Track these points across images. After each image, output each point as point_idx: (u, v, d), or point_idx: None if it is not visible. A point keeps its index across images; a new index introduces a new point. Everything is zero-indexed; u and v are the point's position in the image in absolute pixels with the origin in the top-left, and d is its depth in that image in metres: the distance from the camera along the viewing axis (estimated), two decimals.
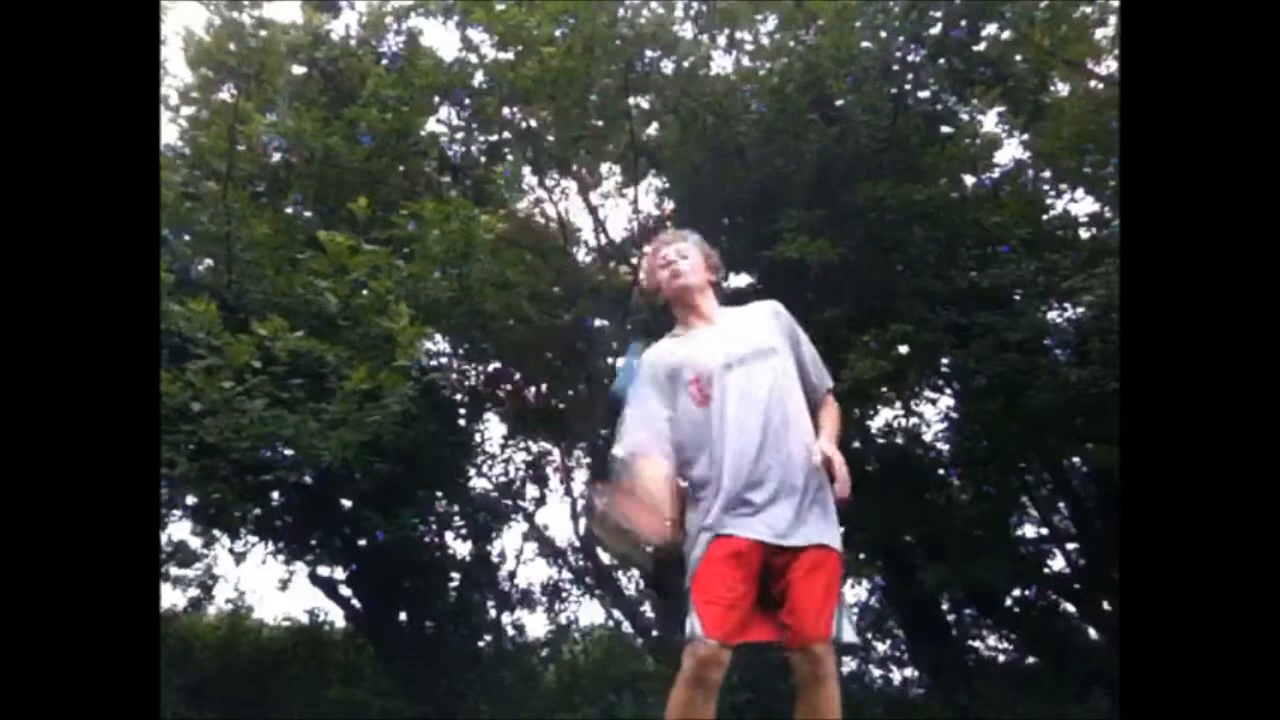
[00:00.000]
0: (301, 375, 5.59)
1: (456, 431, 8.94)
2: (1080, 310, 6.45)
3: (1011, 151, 8.09)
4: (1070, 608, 8.82)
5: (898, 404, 8.65)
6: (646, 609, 10.08)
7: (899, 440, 8.78)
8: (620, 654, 9.23)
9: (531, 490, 10.21)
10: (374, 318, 5.69)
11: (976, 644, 9.05)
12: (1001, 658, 8.99)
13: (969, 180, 7.67)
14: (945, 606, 8.68)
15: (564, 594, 10.28)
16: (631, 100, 7.47)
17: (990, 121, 7.87)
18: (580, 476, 10.38)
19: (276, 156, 7.68)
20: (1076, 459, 8.19)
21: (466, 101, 8.16)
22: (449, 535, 9.57)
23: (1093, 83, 7.23)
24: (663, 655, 7.76)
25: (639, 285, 2.88)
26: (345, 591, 9.32)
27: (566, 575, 10.37)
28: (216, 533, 9.40)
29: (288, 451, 6.07)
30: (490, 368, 9.66)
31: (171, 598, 10.06)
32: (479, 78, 7.85)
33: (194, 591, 10.34)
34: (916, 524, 7.68)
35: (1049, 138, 7.10)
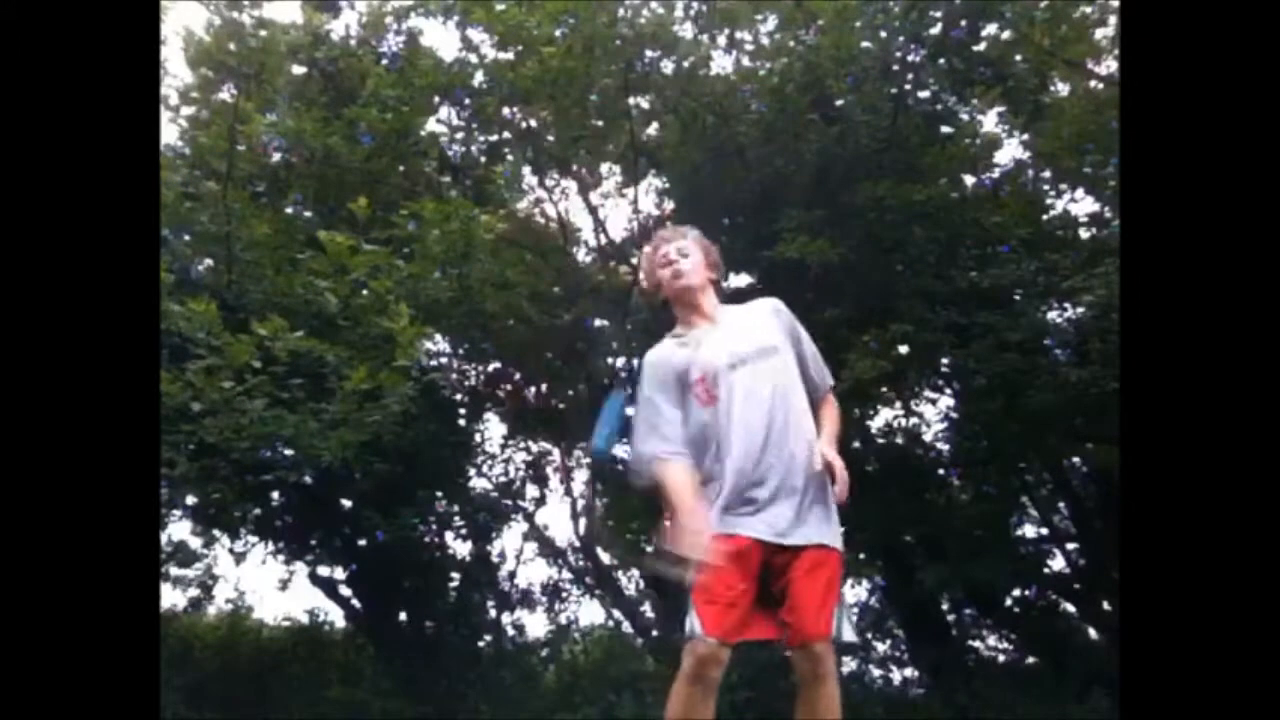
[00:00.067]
0: (301, 375, 5.59)
1: (456, 431, 8.95)
2: (1080, 310, 6.45)
3: (1011, 151, 8.10)
4: (1070, 608, 8.82)
5: (898, 404, 8.65)
6: (646, 609, 10.09)
7: (899, 440, 8.78)
8: (620, 654, 9.24)
9: (531, 490, 10.22)
10: (374, 318, 5.69)
11: (976, 644, 9.05)
12: (1001, 658, 8.99)
13: (969, 180, 7.67)
14: (945, 606, 8.68)
15: (564, 594, 10.28)
16: (631, 100, 7.47)
17: (990, 121, 7.88)
18: (580, 476, 10.40)
19: (276, 156, 7.68)
20: (1076, 459, 8.19)
21: (466, 101, 8.16)
22: (449, 535, 9.59)
23: (1093, 83, 7.23)
24: (663, 655, 7.76)
25: (639, 284, 2.85)
26: (345, 591, 9.33)
27: (566, 575, 10.38)
28: (216, 533, 9.41)
29: (288, 451, 6.07)
30: (490, 368, 9.66)
31: (171, 598, 10.08)
32: (479, 78, 7.85)
33: (194, 591, 10.36)
34: (916, 524, 7.68)
35: (1049, 138, 7.10)
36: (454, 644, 9.19)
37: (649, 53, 7.42)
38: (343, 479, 7.23)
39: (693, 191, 7.48)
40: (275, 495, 7.77)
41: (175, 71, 8.31)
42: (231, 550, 9.51)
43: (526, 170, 8.67)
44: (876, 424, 8.76)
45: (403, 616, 9.24)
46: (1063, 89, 7.61)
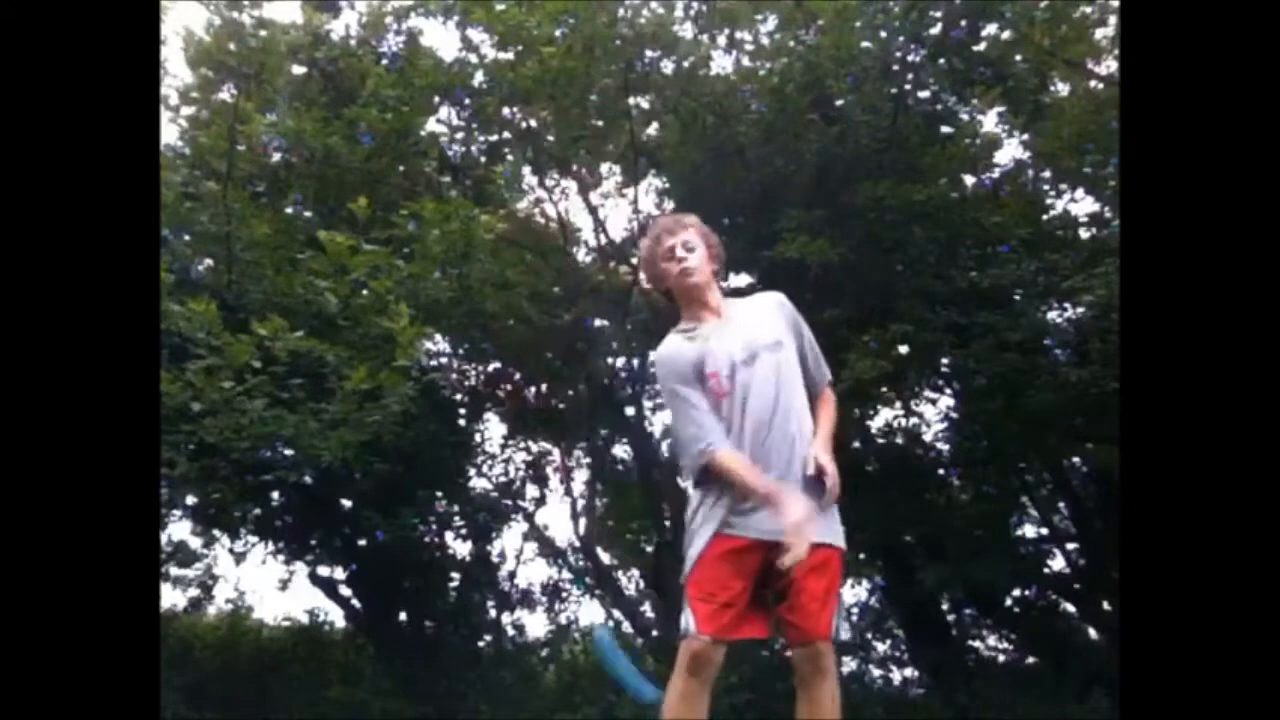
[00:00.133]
0: (301, 375, 5.59)
1: (456, 431, 8.95)
2: (1080, 310, 6.45)
3: (1011, 151, 8.10)
4: (1070, 608, 8.82)
5: (898, 404, 8.65)
6: (646, 609, 10.10)
7: (899, 440, 8.78)
8: None
9: (531, 490, 10.23)
10: (374, 318, 5.69)
11: (976, 644, 9.05)
12: (1001, 658, 8.99)
13: (969, 180, 7.67)
14: (945, 606, 8.68)
15: (564, 594, 10.28)
16: (631, 100, 7.47)
17: (990, 121, 7.88)
18: (580, 476, 10.40)
19: (276, 156, 7.68)
20: (1076, 459, 8.19)
21: (466, 101, 8.16)
22: (449, 535, 9.58)
23: (1093, 83, 7.23)
24: (663, 655, 7.75)
25: (639, 278, 2.82)
26: (345, 591, 9.32)
27: (566, 575, 10.38)
28: (216, 533, 9.41)
29: (288, 451, 6.07)
30: (490, 368, 9.66)
31: (171, 598, 10.08)
32: (479, 78, 7.85)
33: (194, 591, 10.36)
34: (916, 524, 7.67)
35: (1049, 138, 7.10)
36: (454, 644, 9.19)
37: (649, 53, 7.42)
38: (343, 479, 7.23)
39: (693, 191, 7.48)
40: (275, 495, 7.76)
41: (175, 71, 8.33)
42: (231, 550, 9.52)
43: (526, 170, 8.68)
44: (876, 424, 8.76)
45: (403, 616, 9.24)
46: (1063, 89, 7.61)
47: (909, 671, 8.95)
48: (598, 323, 8.70)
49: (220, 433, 5.37)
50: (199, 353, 5.21)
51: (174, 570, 9.96)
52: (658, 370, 2.60)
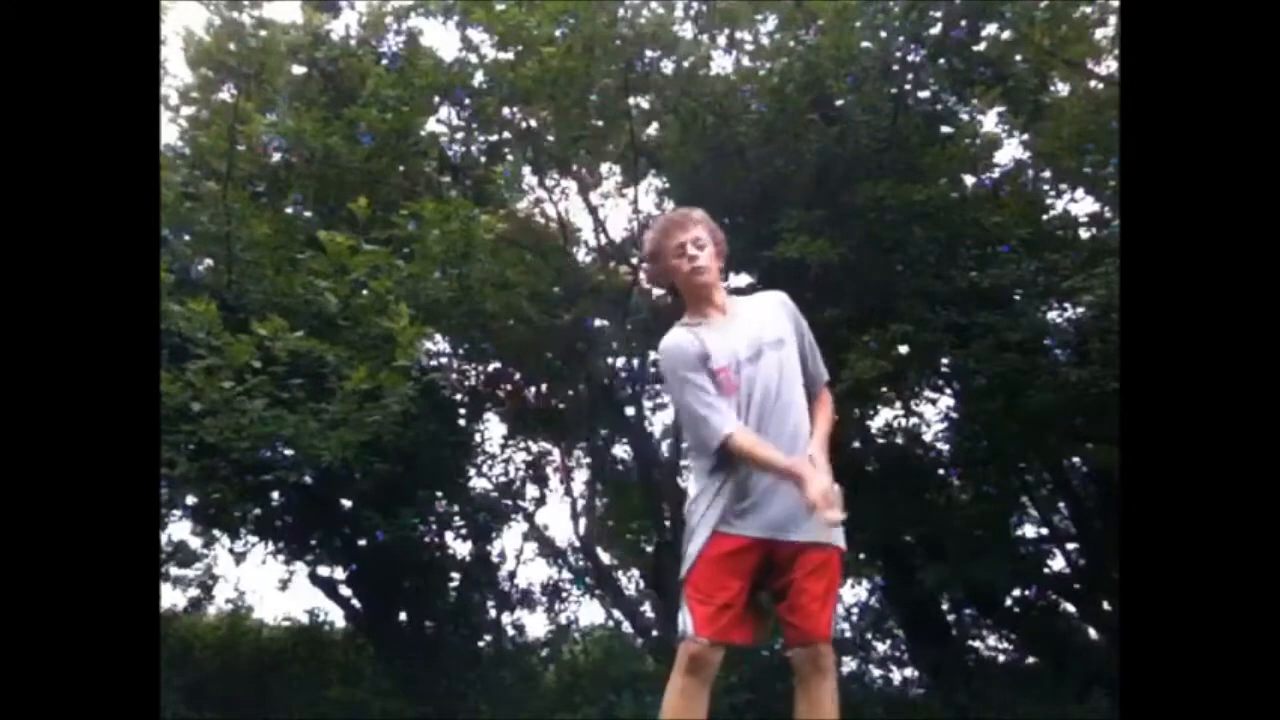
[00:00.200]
0: (301, 375, 5.59)
1: (456, 431, 8.94)
2: (1080, 310, 6.45)
3: (1011, 151, 8.10)
4: (1070, 608, 8.82)
5: (898, 404, 8.65)
6: (646, 609, 10.09)
7: (899, 440, 8.78)
8: (620, 654, 9.23)
9: (531, 490, 10.21)
10: (374, 318, 5.69)
11: (976, 644, 9.05)
12: (1001, 658, 8.99)
13: (969, 180, 7.67)
14: (945, 606, 8.68)
15: (564, 594, 10.28)
16: (631, 100, 7.47)
17: (990, 121, 7.88)
18: (580, 476, 10.40)
19: (276, 156, 7.67)
20: (1076, 459, 8.19)
21: (466, 101, 8.16)
22: (449, 535, 9.58)
23: (1093, 83, 7.23)
24: (663, 655, 7.75)
25: (643, 270, 2.80)
26: (345, 591, 9.32)
27: (566, 575, 10.38)
28: (216, 533, 9.40)
29: (288, 451, 6.07)
30: (490, 368, 9.66)
31: (171, 598, 10.07)
32: (479, 78, 7.85)
33: (194, 591, 10.35)
34: (916, 524, 7.67)
35: (1049, 138, 7.10)
36: (454, 644, 9.18)
37: (649, 53, 7.42)
38: (343, 479, 7.23)
39: (693, 191, 7.47)
40: (275, 495, 7.76)
41: (175, 71, 8.32)
42: (231, 550, 9.51)
43: (526, 170, 8.67)
44: (876, 424, 8.76)
45: (403, 616, 9.24)
46: (1063, 89, 7.61)
47: (909, 671, 8.96)
48: (598, 323, 8.70)
49: (220, 433, 5.37)
50: (199, 353, 5.21)
51: (174, 570, 9.96)
52: (663, 360, 2.58)
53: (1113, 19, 6.80)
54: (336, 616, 10.08)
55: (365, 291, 5.76)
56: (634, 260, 8.61)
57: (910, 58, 6.79)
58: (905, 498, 7.64)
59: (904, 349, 6.90)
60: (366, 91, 7.34)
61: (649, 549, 9.84)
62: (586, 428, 9.74)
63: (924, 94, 7.07)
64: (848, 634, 9.18)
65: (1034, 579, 8.54)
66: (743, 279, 7.32)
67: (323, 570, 9.22)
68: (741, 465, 2.43)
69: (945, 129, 7.13)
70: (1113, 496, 7.57)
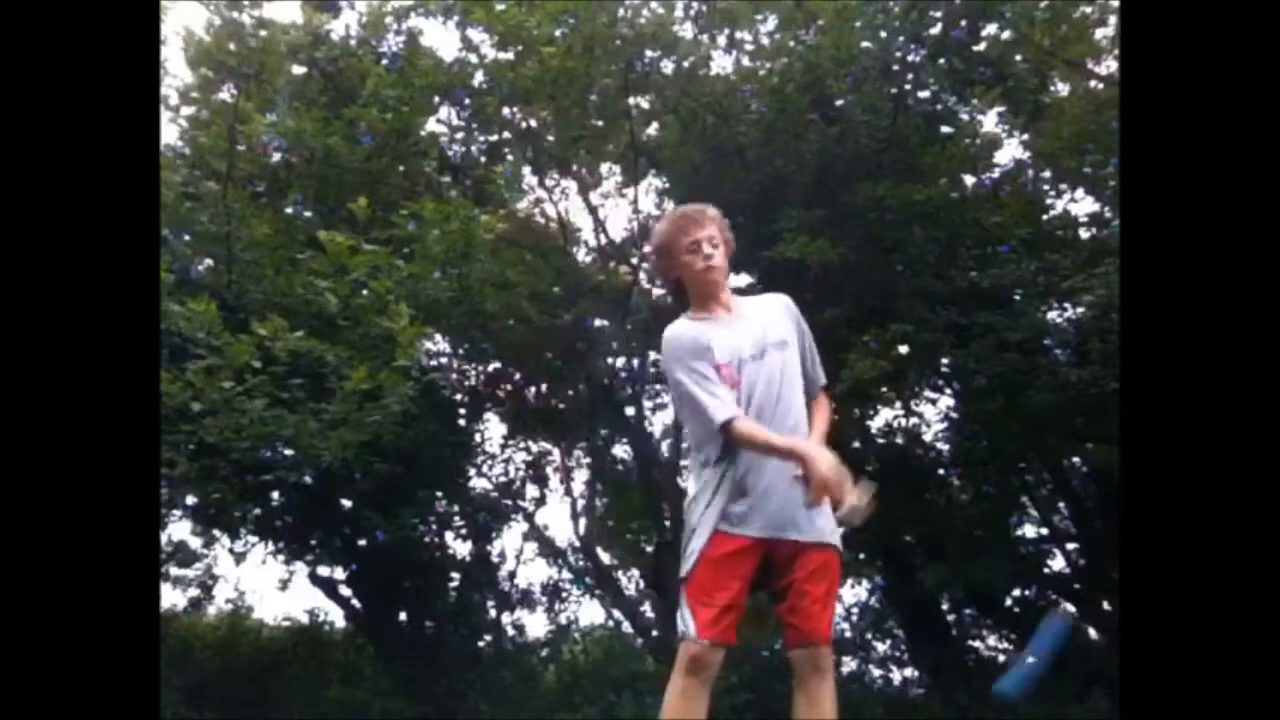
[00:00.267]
0: (301, 375, 5.59)
1: (456, 431, 8.94)
2: (1080, 310, 6.45)
3: (1011, 151, 8.10)
4: (1070, 608, 8.81)
5: (898, 404, 8.65)
6: (646, 609, 10.09)
7: (899, 440, 8.77)
8: (620, 654, 9.23)
9: (531, 490, 10.22)
10: (374, 318, 5.69)
11: (976, 644, 9.05)
12: (1001, 658, 8.98)
13: (969, 180, 7.67)
14: (945, 606, 8.68)
15: (564, 594, 10.28)
16: (631, 100, 7.47)
17: (990, 121, 7.88)
18: (580, 476, 10.40)
19: (276, 156, 7.68)
20: (1076, 459, 8.19)
21: (466, 101, 8.16)
22: (449, 535, 9.58)
23: (1093, 83, 7.23)
24: (663, 655, 7.75)
25: (647, 260, 2.78)
26: (345, 591, 9.32)
27: (566, 575, 10.38)
28: (216, 533, 9.40)
29: (288, 451, 6.07)
30: (490, 368, 9.66)
31: (171, 598, 10.08)
32: (479, 78, 7.85)
33: (194, 591, 10.37)
34: (916, 524, 7.67)
35: (1049, 138, 7.10)
36: (454, 644, 9.19)
37: (649, 53, 7.42)
38: (343, 479, 7.23)
39: (693, 191, 7.46)
40: (275, 495, 7.76)
41: (175, 71, 8.33)
42: (231, 550, 9.52)
43: (526, 170, 8.68)
44: (876, 424, 8.76)
45: (403, 616, 9.24)
46: (1063, 89, 7.61)
47: (909, 671, 8.96)
48: (598, 323, 8.70)
49: (220, 433, 5.37)
50: (199, 353, 5.21)
51: (174, 570, 9.97)
52: (667, 348, 2.57)
53: (1113, 19, 6.80)
54: (336, 616, 10.10)
55: (365, 291, 5.77)
56: (634, 260, 8.61)
57: (910, 58, 6.79)
58: (905, 498, 7.63)
59: (904, 349, 6.90)
60: (366, 91, 7.34)
61: (649, 549, 9.84)
62: (586, 428, 9.74)
63: (924, 94, 7.07)
64: (848, 634, 9.18)
65: (1034, 579, 8.53)
66: (743, 279, 7.32)
67: (323, 570, 9.22)
68: (740, 463, 2.44)
69: (945, 129, 7.13)
70: (1113, 496, 7.57)
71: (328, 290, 5.70)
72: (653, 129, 8.15)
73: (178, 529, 9.26)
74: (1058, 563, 8.66)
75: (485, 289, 7.16)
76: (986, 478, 8.44)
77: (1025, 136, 7.69)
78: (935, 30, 6.60)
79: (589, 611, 10.77)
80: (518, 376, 9.63)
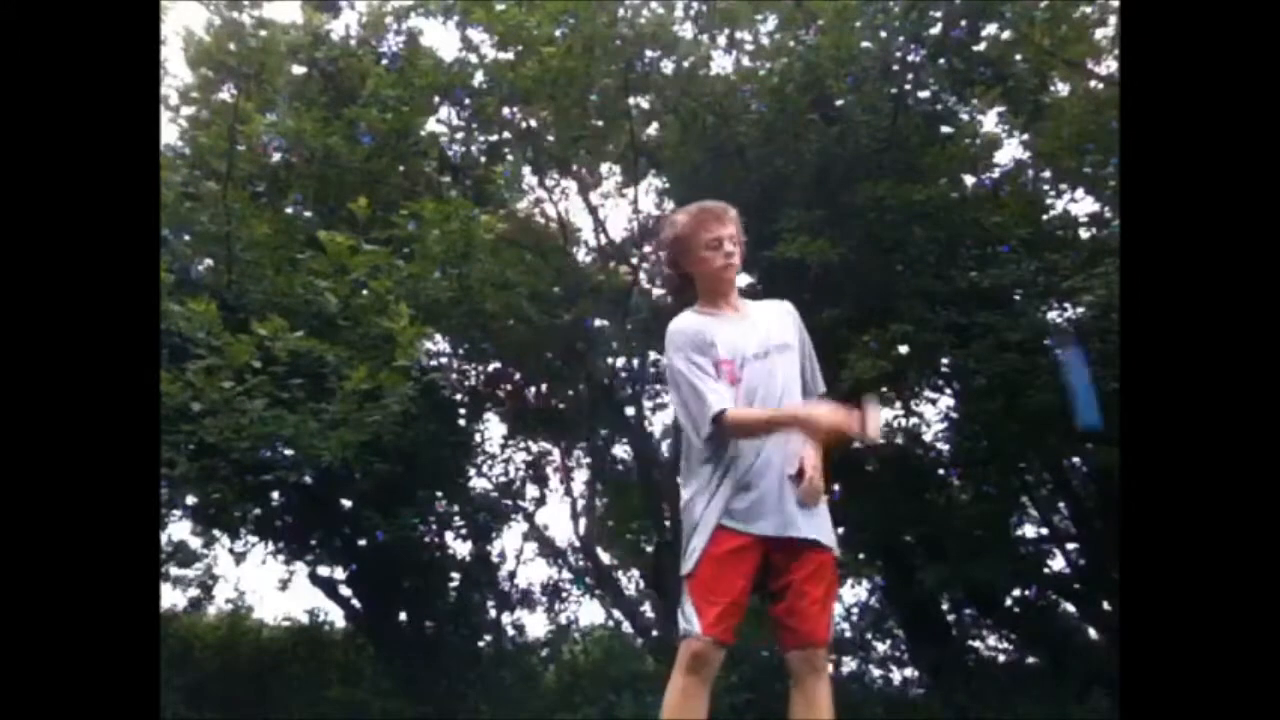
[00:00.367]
0: (301, 375, 5.59)
1: (456, 431, 8.94)
2: (1080, 310, 6.45)
3: (1011, 151, 8.10)
4: (1070, 608, 8.81)
5: (898, 404, 8.64)
6: (646, 609, 10.09)
7: (899, 440, 8.77)
8: (620, 654, 9.23)
9: (531, 490, 10.22)
10: (374, 318, 5.69)
11: (976, 644, 9.05)
12: (1001, 658, 8.99)
13: (969, 180, 7.66)
14: (945, 606, 8.68)
15: (564, 594, 10.28)
16: (631, 100, 7.47)
17: (990, 121, 7.88)
18: (580, 476, 10.40)
19: (276, 156, 7.68)
20: (1076, 459, 8.19)
21: (466, 101, 8.17)
22: (449, 535, 9.58)
23: (1093, 83, 7.23)
24: (662, 655, 7.75)
25: (666, 245, 2.76)
26: (345, 591, 9.32)
27: (566, 575, 10.38)
28: (216, 533, 9.41)
29: (288, 451, 6.07)
30: (490, 368, 9.66)
31: (171, 598, 10.08)
32: (479, 78, 7.86)
33: (194, 591, 10.36)
34: (916, 524, 7.68)
35: (1049, 138, 7.10)
36: (454, 644, 9.19)
37: (649, 53, 7.42)
38: (343, 479, 7.23)
39: (693, 191, 7.45)
40: (275, 495, 7.76)
41: (175, 71, 8.33)
42: (231, 550, 9.52)
43: (526, 170, 8.68)
44: None
45: (403, 616, 9.24)
46: (1063, 89, 7.61)
47: (909, 671, 8.95)
48: (598, 323, 8.70)
49: (220, 433, 5.37)
50: (199, 353, 5.21)
51: (174, 570, 9.97)
52: (672, 339, 2.58)
53: (1113, 19, 6.80)
54: (336, 616, 10.10)
55: (365, 291, 5.77)
56: (634, 260, 8.61)
57: (910, 58, 6.79)
58: (905, 498, 7.64)
59: (904, 349, 6.90)
60: (366, 91, 7.34)
61: (649, 549, 9.84)
62: (586, 428, 9.74)
63: (924, 94, 7.07)
64: (848, 634, 9.18)
65: (1034, 579, 8.53)
66: (743, 279, 7.30)
67: (323, 570, 9.23)
68: (742, 460, 2.44)
69: (945, 129, 7.13)
70: (1113, 496, 7.57)
71: (328, 290, 5.71)
72: (653, 129, 8.15)
73: (178, 529, 9.28)
74: (1058, 563, 8.66)
75: (485, 289, 7.16)
76: (986, 478, 8.44)
77: (1025, 136, 7.69)
78: (935, 30, 6.61)
79: (589, 611, 10.77)
80: (518, 376, 9.63)
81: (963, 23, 6.76)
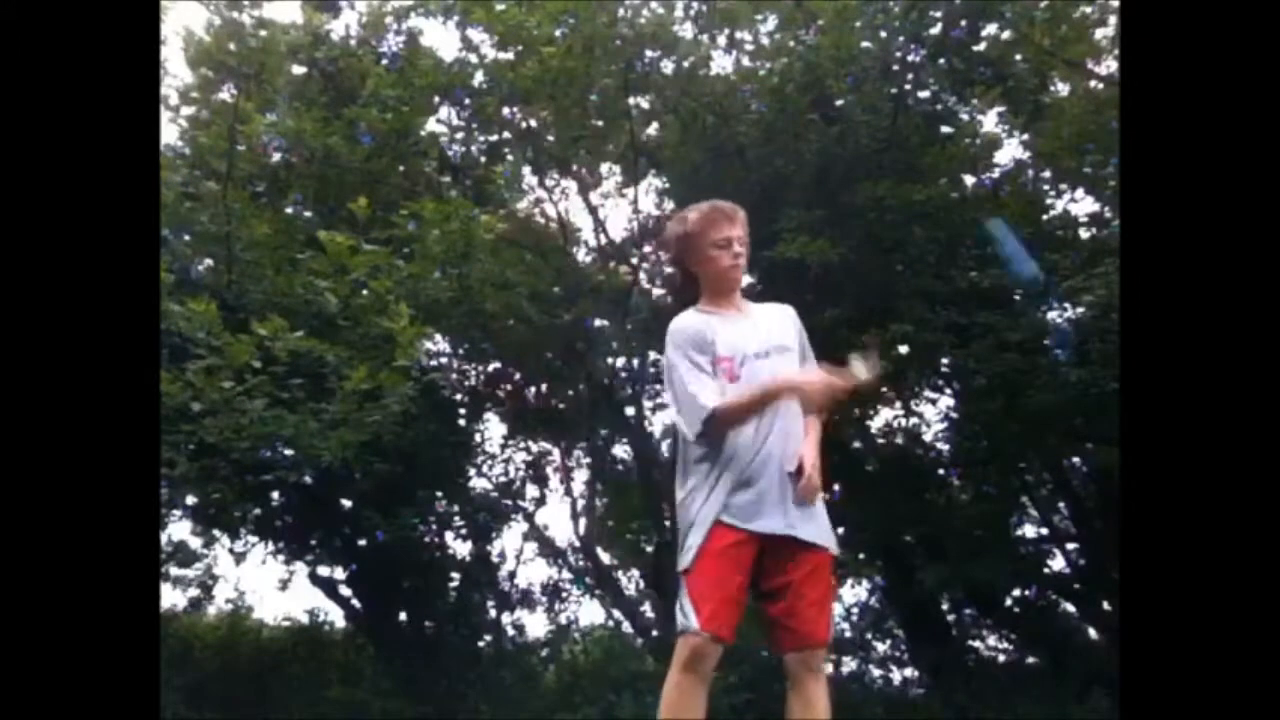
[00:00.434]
0: (301, 375, 5.59)
1: (456, 431, 8.94)
2: (1080, 310, 6.45)
3: (1011, 151, 8.11)
4: (1070, 608, 8.82)
5: (898, 404, 8.65)
6: (646, 609, 10.09)
7: (899, 440, 8.78)
8: (620, 654, 9.23)
9: (531, 490, 10.22)
10: (374, 318, 5.69)
11: (976, 644, 9.05)
12: (1001, 658, 8.99)
13: (969, 180, 7.67)
14: (945, 606, 8.68)
15: (564, 594, 10.28)
16: (631, 100, 7.47)
17: (990, 121, 7.89)
18: (580, 476, 10.40)
19: (276, 156, 7.68)
20: (1076, 459, 8.19)
21: (466, 101, 8.17)
22: (449, 535, 9.59)
23: (1093, 83, 7.23)
24: (662, 655, 7.74)
25: (673, 240, 2.77)
26: (345, 591, 9.32)
27: (566, 575, 10.38)
28: (216, 533, 9.41)
29: (288, 451, 6.07)
30: (490, 368, 9.66)
31: (171, 598, 10.09)
32: (479, 78, 7.86)
33: (194, 591, 10.37)
34: (916, 524, 7.67)
35: (1049, 138, 7.10)
36: (454, 644, 9.19)
37: (649, 53, 7.42)
38: (343, 479, 7.23)
39: (693, 191, 7.45)
40: (275, 495, 7.77)
41: (175, 71, 8.34)
42: (231, 550, 9.53)
43: (526, 170, 8.68)
44: (876, 424, 8.76)
45: (403, 616, 9.24)
46: (1063, 89, 7.61)
47: (909, 671, 8.96)
48: (598, 323, 8.70)
49: (220, 433, 5.37)
50: (199, 353, 5.21)
51: (174, 570, 9.98)
52: (672, 336, 2.59)
53: (1113, 19, 6.81)
54: (336, 616, 10.11)
55: (365, 291, 5.77)
56: (634, 260, 8.61)
57: (910, 58, 6.79)
58: (905, 498, 7.64)
59: (904, 349, 6.90)
60: (366, 91, 7.34)
61: (649, 549, 9.84)
62: (586, 428, 9.74)
63: (924, 94, 7.07)
64: (848, 634, 9.18)
65: (1034, 579, 8.54)
66: (743, 279, 7.31)
67: (323, 570, 9.23)
68: (741, 457, 2.44)
69: (945, 129, 7.13)
70: (1113, 496, 7.57)
71: (328, 290, 5.71)
72: (653, 129, 8.15)
73: (178, 529, 9.29)
74: (1058, 563, 8.67)
75: (485, 289, 7.16)
76: (986, 478, 8.44)
77: (1025, 136, 7.69)
78: (935, 30, 6.61)
79: (589, 611, 10.78)
80: (518, 376, 9.63)
81: (963, 23, 6.76)
